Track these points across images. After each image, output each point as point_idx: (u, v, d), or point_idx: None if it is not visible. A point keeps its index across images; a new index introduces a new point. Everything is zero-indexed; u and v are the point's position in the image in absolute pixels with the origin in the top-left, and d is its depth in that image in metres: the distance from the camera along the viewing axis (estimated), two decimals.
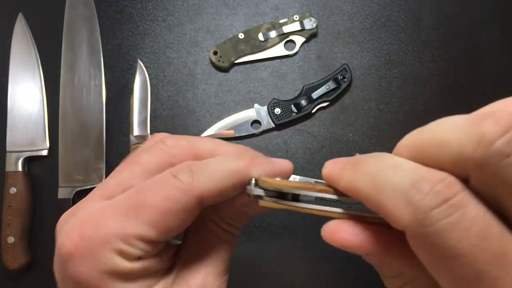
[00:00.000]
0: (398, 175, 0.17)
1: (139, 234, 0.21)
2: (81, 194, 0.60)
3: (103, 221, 0.21)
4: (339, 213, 0.22)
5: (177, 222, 0.22)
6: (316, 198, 0.23)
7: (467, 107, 0.19)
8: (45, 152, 0.61)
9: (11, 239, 0.57)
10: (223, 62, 0.62)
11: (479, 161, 0.15)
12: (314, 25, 0.63)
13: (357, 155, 0.21)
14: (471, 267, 0.15)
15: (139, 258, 0.22)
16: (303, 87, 0.62)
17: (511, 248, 0.15)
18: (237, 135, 0.61)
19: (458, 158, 0.16)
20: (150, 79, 0.63)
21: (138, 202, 0.21)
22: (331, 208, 0.22)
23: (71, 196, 0.59)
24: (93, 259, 0.21)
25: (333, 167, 0.21)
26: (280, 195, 0.23)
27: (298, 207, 0.23)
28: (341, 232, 0.20)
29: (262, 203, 0.23)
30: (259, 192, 0.23)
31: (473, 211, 0.15)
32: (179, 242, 0.27)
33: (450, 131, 0.17)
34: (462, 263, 0.15)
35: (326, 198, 0.22)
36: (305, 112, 0.61)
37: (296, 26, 0.63)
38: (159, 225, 0.21)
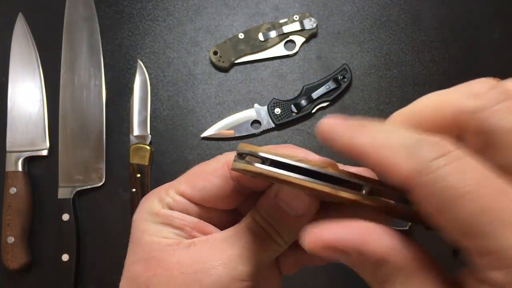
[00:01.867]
0: (401, 135, 0.20)
1: (176, 187, 0.27)
2: (81, 194, 0.60)
3: (171, 182, 0.28)
4: (323, 185, 0.21)
5: (204, 182, 0.26)
6: (295, 168, 0.21)
7: None
8: (45, 152, 0.61)
9: (11, 239, 0.57)
10: (223, 62, 0.62)
11: (475, 109, 0.19)
12: (314, 25, 0.63)
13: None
14: (476, 201, 0.17)
15: (170, 208, 0.27)
16: (303, 87, 0.62)
17: (509, 186, 0.18)
18: (237, 135, 0.61)
19: (457, 111, 0.19)
20: (150, 79, 0.63)
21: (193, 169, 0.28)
22: (313, 180, 0.21)
23: (71, 196, 0.59)
24: (145, 203, 0.27)
25: (336, 122, 0.22)
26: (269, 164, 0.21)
27: (271, 172, 0.20)
28: (325, 234, 0.20)
29: (234, 164, 0.21)
30: (241, 157, 0.21)
31: (471, 159, 0.18)
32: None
33: (447, 93, 0.20)
34: (468, 199, 0.17)
35: (304, 168, 0.21)
36: (305, 112, 0.61)
37: (296, 26, 0.63)
38: (191, 182, 0.27)
